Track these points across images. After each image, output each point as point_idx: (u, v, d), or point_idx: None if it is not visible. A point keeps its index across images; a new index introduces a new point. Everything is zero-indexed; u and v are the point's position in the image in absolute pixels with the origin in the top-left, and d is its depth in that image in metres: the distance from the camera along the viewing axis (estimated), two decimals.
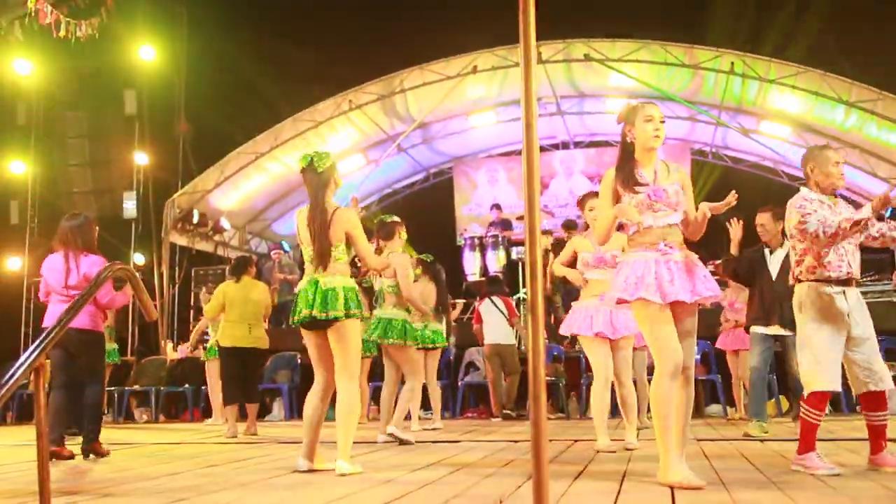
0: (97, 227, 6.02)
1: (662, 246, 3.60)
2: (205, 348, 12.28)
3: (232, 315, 7.81)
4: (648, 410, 7.83)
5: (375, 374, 9.73)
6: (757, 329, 6.35)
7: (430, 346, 7.70)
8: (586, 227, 5.74)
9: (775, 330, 6.26)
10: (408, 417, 6.83)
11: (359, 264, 5.60)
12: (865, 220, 3.73)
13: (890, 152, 12.93)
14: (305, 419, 4.43)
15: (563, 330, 5.65)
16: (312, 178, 4.48)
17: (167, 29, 15.19)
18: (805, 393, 3.91)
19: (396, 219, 6.41)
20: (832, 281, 3.92)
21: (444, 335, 8.04)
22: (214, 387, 9.35)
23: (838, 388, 3.90)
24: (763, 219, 6.32)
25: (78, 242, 5.77)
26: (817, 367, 3.86)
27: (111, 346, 10.47)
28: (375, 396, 9.79)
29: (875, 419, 3.90)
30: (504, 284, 10.27)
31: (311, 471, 4.31)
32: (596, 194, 5.27)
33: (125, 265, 3.17)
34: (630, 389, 5.50)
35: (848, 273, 3.94)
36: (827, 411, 8.58)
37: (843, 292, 3.92)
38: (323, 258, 4.36)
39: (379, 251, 6.20)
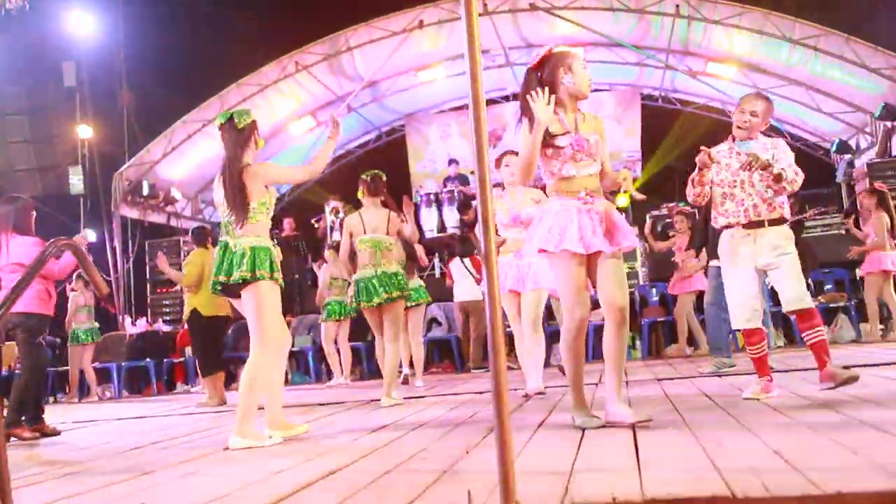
0: (34, 209, 5.97)
1: (583, 195, 3.59)
2: (166, 321, 12.19)
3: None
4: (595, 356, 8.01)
5: (357, 336, 9.82)
6: (714, 262, 6.35)
7: (413, 303, 7.77)
8: (501, 187, 5.78)
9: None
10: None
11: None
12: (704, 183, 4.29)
13: (834, 87, 13.11)
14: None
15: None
16: (232, 135, 4.25)
17: None
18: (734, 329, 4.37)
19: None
20: (734, 226, 4.30)
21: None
22: None
23: (753, 325, 4.27)
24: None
25: (9, 226, 5.74)
26: (732, 308, 4.34)
27: (92, 325, 10.39)
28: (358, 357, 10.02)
29: (808, 336, 4.19)
30: (473, 243, 10.35)
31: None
32: (513, 153, 5.39)
33: (69, 239, 3.10)
34: (532, 338, 5.60)
35: (748, 218, 4.25)
36: (782, 343, 8.90)
37: (750, 235, 4.25)
38: (238, 217, 4.13)
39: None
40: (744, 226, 4.27)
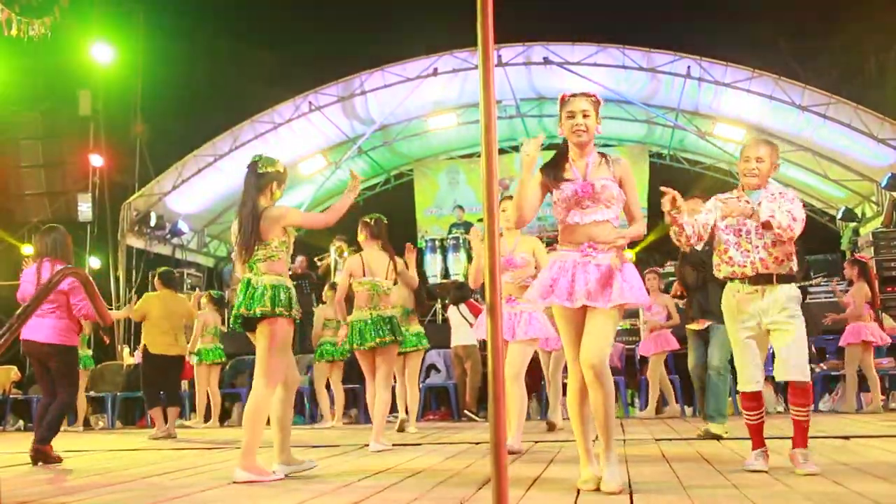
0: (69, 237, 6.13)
1: (585, 247, 3.48)
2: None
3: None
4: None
5: (351, 377, 9.74)
6: (690, 329, 6.48)
7: (412, 348, 7.84)
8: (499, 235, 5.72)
9: (698, 325, 6.33)
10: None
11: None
12: (679, 224, 3.78)
13: (842, 155, 13.22)
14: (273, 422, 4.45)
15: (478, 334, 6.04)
16: (251, 178, 4.43)
17: (123, 28, 14.97)
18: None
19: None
20: (740, 278, 3.95)
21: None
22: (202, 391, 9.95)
23: (756, 388, 3.95)
24: (693, 203, 5.95)
25: (58, 254, 5.89)
26: (738, 368, 3.99)
27: (85, 352, 10.38)
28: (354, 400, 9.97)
29: (797, 413, 3.88)
30: (468, 289, 10.33)
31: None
32: (510, 198, 5.36)
33: (77, 269, 3.12)
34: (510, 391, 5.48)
35: (755, 271, 3.91)
36: (781, 409, 8.81)
37: (758, 291, 3.90)
38: (241, 254, 4.35)
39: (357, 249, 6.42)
40: (751, 280, 3.93)
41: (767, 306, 3.90)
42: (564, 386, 7.69)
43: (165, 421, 8.23)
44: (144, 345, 8.35)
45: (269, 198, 4.44)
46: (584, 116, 3.56)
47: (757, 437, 4.01)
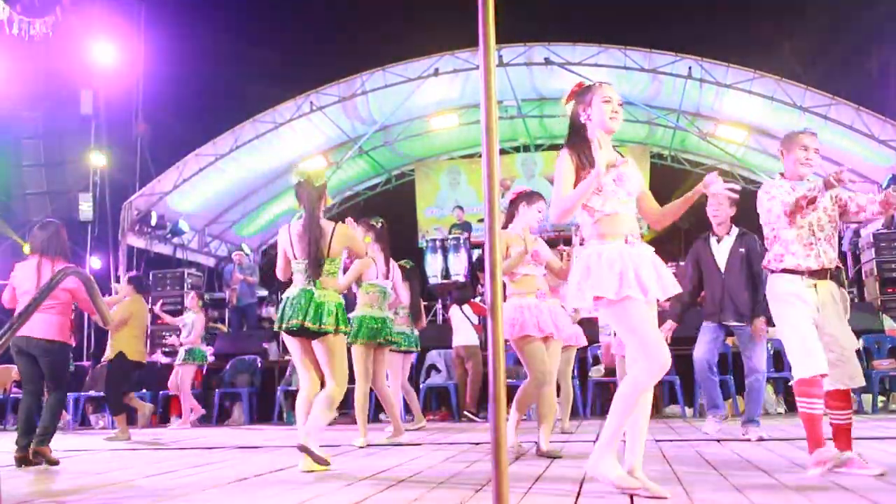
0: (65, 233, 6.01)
1: (630, 237, 3.32)
2: (165, 353, 12.16)
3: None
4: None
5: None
6: (708, 324, 6.13)
7: (411, 349, 7.80)
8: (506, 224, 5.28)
9: (728, 322, 6.03)
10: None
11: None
12: (816, 197, 3.65)
13: (843, 156, 13.19)
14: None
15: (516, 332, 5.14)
16: (310, 191, 4.66)
17: (125, 28, 14.99)
18: (792, 383, 3.77)
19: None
20: (801, 272, 3.80)
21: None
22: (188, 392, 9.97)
23: (825, 369, 3.68)
24: (720, 199, 5.99)
25: (56, 251, 5.78)
26: (798, 354, 3.72)
27: None
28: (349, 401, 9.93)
29: (841, 417, 3.78)
30: (470, 289, 10.37)
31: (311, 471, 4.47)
32: (539, 196, 5.21)
33: (78, 268, 3.11)
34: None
35: (820, 265, 3.79)
36: (782, 410, 8.78)
37: (815, 286, 3.79)
38: (317, 270, 4.59)
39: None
40: (811, 273, 3.80)
41: (823, 302, 3.79)
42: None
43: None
44: (121, 351, 8.06)
45: (322, 206, 4.72)
46: (619, 105, 3.47)
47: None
